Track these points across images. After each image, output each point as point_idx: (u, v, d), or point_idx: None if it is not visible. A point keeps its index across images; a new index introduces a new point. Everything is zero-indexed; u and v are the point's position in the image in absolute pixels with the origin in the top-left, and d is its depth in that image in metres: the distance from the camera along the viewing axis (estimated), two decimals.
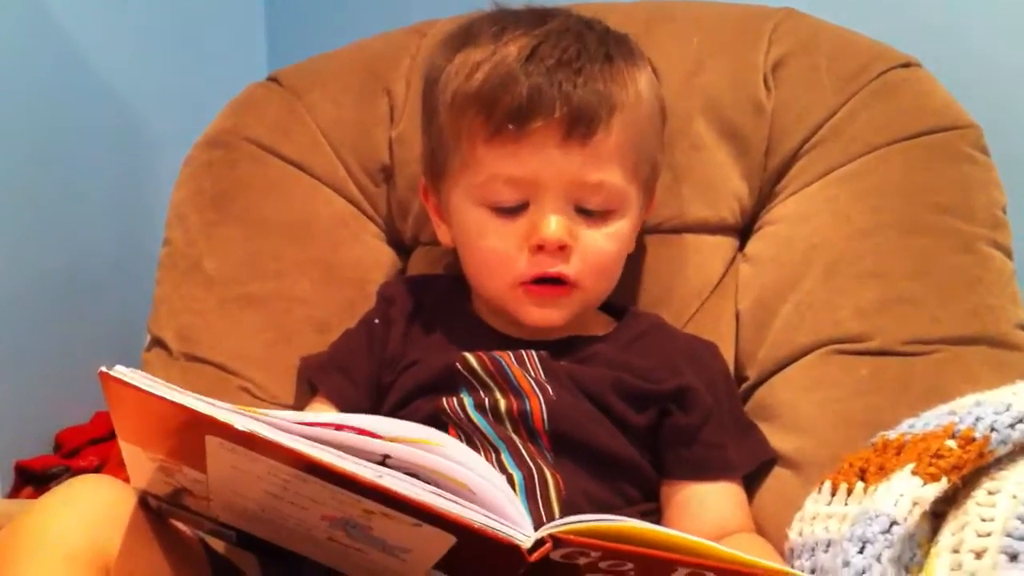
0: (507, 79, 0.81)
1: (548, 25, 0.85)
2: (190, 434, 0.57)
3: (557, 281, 0.84)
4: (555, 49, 0.82)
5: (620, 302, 0.93)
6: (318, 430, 0.56)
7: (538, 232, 0.82)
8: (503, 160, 0.82)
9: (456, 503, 0.55)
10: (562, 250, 0.83)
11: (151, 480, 0.66)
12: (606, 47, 0.85)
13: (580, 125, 0.81)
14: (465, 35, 0.87)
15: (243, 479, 0.59)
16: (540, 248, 0.83)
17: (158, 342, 0.98)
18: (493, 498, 0.57)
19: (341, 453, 0.55)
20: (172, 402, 0.55)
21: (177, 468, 0.63)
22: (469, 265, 0.89)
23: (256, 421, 0.55)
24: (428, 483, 0.56)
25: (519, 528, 0.55)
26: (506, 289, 0.86)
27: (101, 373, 0.55)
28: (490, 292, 0.88)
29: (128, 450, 0.64)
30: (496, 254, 0.84)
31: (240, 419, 0.55)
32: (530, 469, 0.79)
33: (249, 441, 0.55)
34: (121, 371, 0.56)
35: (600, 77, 0.83)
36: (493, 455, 0.81)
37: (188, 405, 0.55)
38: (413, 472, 0.56)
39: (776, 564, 0.57)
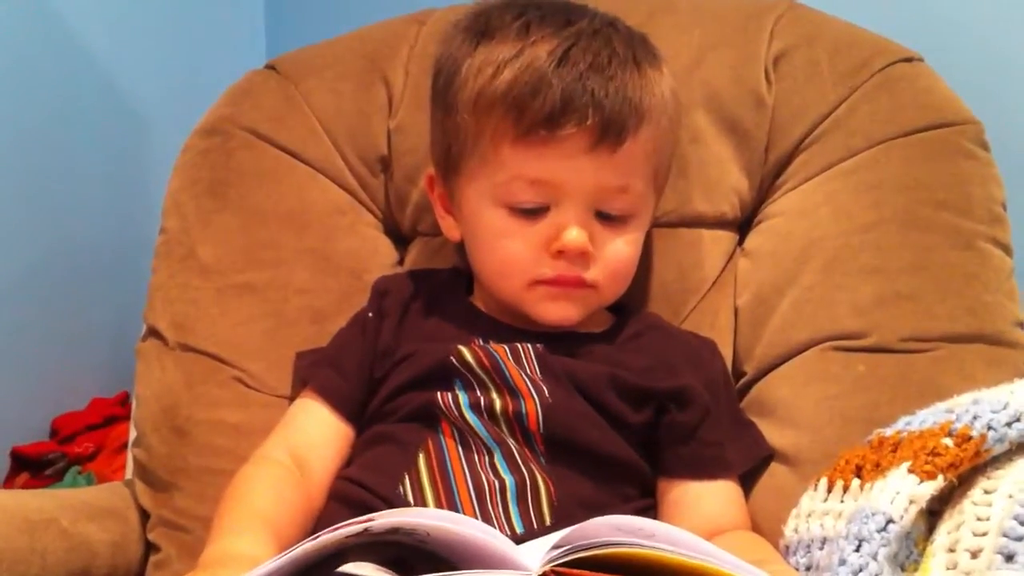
0: (539, 82, 0.80)
1: (576, 25, 0.83)
2: None
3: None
4: (586, 53, 0.81)
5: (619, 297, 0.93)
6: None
7: (560, 239, 0.82)
8: (529, 162, 0.81)
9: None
10: (582, 256, 0.83)
11: None
12: (633, 50, 0.84)
13: (611, 133, 0.80)
14: (484, 27, 0.85)
15: None
16: (561, 253, 0.82)
17: (153, 332, 0.98)
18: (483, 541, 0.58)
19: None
20: None
21: None
22: (482, 263, 0.88)
23: None
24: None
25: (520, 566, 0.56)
26: (521, 288, 0.85)
27: None
28: (504, 291, 0.87)
29: None
30: (514, 255, 0.84)
31: None
32: (523, 475, 0.79)
33: None
34: None
35: (631, 83, 0.82)
36: (487, 457, 0.80)
37: None
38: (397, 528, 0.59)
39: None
